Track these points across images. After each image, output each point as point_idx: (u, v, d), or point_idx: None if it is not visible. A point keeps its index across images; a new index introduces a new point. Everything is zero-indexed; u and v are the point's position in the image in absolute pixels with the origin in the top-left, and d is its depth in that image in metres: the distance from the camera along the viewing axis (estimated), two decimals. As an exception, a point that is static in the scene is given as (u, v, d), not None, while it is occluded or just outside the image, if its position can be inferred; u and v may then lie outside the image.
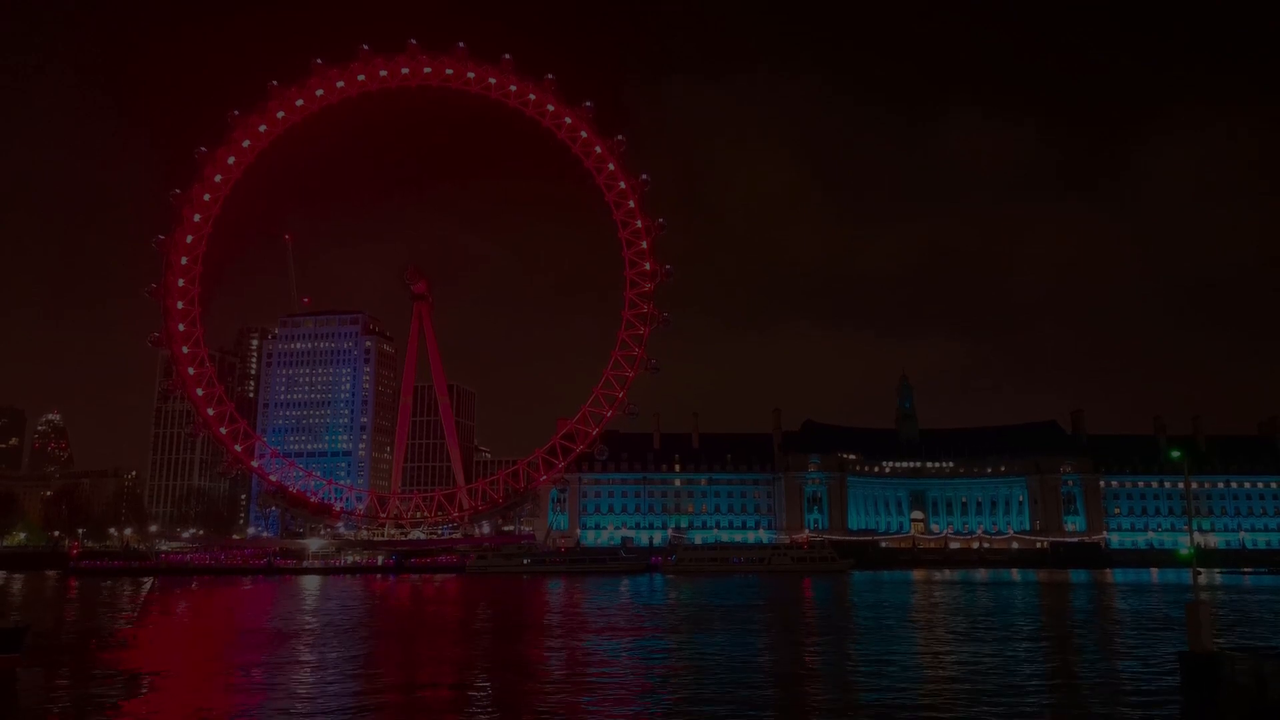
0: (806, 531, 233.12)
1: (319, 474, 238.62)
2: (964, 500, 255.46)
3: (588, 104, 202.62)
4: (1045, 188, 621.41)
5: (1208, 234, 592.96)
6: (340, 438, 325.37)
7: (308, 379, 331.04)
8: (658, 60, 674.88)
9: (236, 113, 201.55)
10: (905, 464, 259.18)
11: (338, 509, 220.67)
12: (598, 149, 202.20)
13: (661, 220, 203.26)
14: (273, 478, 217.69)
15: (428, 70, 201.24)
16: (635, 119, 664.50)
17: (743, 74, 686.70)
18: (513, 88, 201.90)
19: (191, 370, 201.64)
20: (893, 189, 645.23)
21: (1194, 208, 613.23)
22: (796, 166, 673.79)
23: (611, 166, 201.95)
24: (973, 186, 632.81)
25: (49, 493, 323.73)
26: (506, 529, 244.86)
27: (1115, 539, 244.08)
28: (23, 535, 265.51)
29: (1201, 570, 58.39)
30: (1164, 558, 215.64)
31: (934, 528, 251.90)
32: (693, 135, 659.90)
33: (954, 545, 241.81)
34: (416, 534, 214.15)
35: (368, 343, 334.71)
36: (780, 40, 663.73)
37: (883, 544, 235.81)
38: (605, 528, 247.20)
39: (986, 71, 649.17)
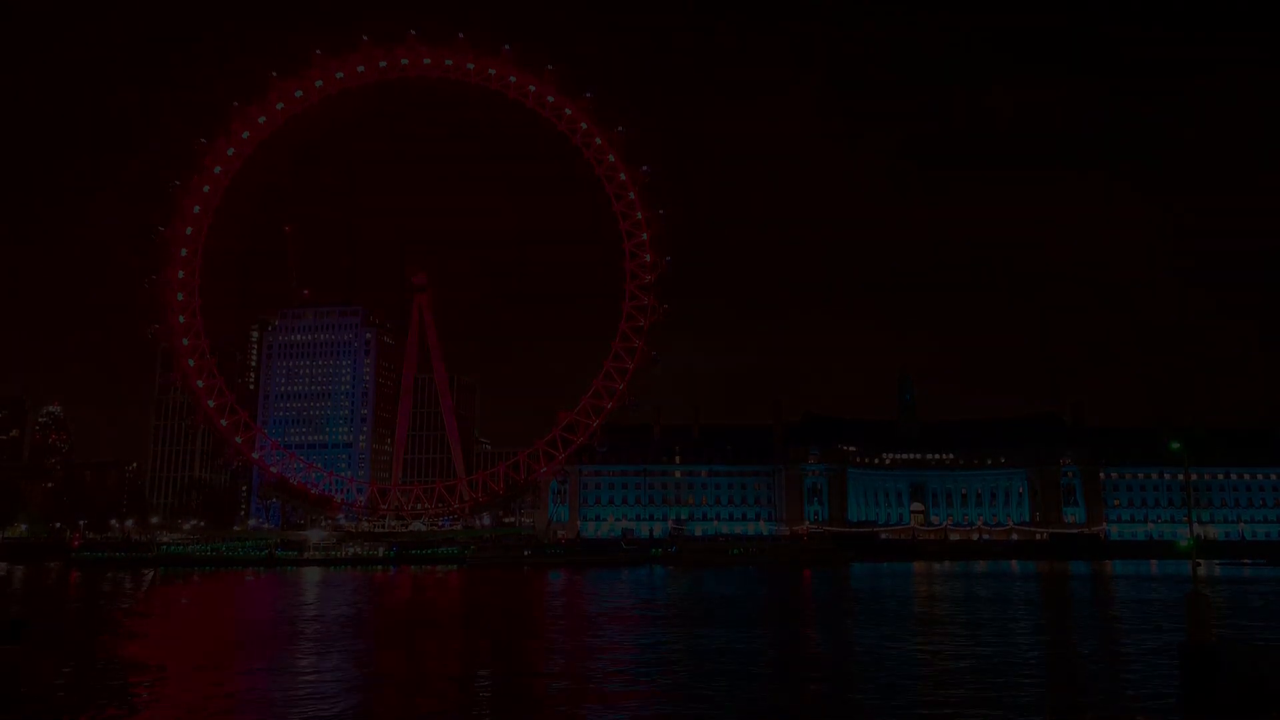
0: (806, 523, 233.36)
1: (319, 466, 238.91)
2: (964, 492, 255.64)
3: (588, 95, 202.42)
4: (1066, 161, 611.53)
5: (1222, 217, 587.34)
6: (341, 430, 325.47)
7: (308, 371, 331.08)
8: (661, 31, 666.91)
9: (236, 104, 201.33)
10: (905, 456, 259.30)
11: (338, 501, 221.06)
12: (598, 140, 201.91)
13: (662, 211, 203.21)
14: (273, 469, 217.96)
15: (427, 61, 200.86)
16: (634, 93, 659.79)
17: (751, 44, 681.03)
18: (513, 79, 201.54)
19: (192, 362, 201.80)
20: (903, 165, 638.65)
21: (1213, 189, 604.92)
22: (805, 143, 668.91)
23: (612, 158, 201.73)
24: (988, 159, 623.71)
25: (50, 484, 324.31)
26: (507, 521, 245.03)
27: (1115, 530, 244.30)
28: (24, 527, 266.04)
29: (1201, 561, 58.57)
30: (1164, 549, 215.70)
31: (934, 519, 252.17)
32: (696, 113, 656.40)
33: (954, 537, 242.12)
34: (417, 526, 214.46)
35: (368, 334, 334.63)
36: (789, 9, 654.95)
37: (882, 536, 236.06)
38: (605, 519, 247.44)
39: (1008, 37, 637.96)
